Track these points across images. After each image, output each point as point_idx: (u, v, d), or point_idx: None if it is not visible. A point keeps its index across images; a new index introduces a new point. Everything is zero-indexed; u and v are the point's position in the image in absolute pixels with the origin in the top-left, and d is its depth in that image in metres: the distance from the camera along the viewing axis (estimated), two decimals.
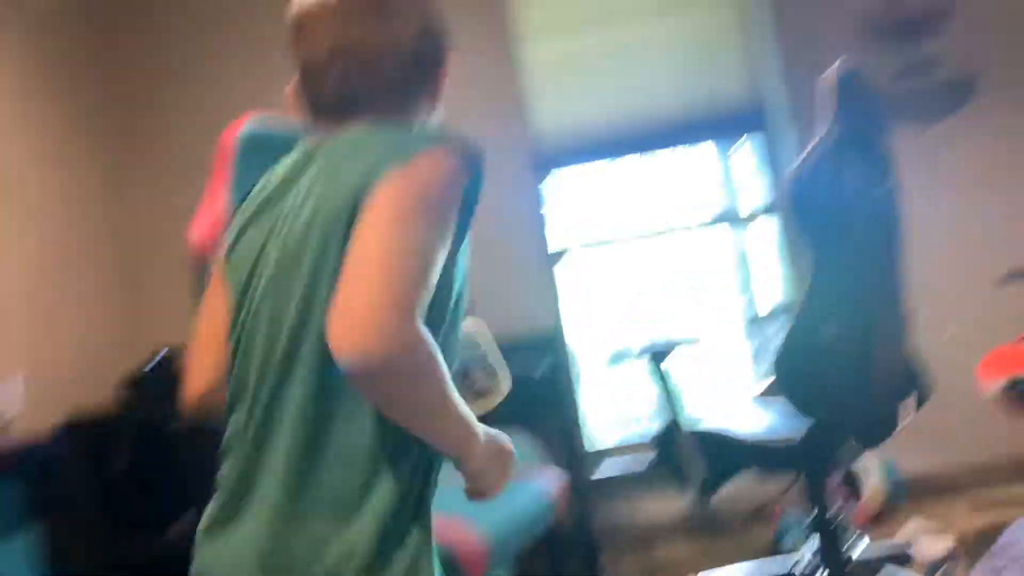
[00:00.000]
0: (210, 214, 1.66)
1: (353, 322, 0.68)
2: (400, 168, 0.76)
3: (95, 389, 2.47)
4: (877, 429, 1.72)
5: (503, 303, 2.77)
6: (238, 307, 0.86)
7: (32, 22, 2.54)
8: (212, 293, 0.96)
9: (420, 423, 0.75)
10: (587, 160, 2.92)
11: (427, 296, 0.73)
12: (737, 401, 2.10)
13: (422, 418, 0.75)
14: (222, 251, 0.94)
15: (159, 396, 2.18)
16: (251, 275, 0.85)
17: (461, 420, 0.77)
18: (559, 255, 2.92)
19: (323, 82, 0.91)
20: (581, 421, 2.85)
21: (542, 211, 2.90)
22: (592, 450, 2.84)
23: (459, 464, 0.83)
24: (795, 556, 2.04)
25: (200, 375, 0.95)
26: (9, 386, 1.74)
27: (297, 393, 0.77)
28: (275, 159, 1.68)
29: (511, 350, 2.40)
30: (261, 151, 1.74)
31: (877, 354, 1.59)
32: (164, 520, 2.39)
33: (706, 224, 2.97)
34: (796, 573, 1.95)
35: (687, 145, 2.95)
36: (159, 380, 2.22)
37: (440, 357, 0.72)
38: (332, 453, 0.76)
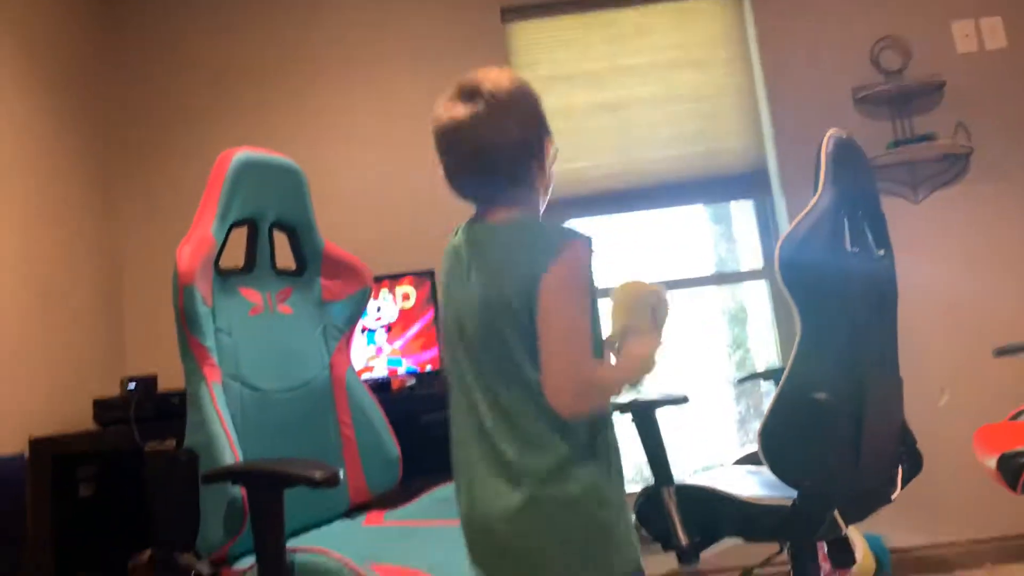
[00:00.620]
0: (195, 239, 1.64)
1: (559, 388, 1.10)
2: (554, 262, 1.13)
3: (66, 410, 2.42)
4: (865, 502, 1.68)
5: None
6: (450, 353, 1.24)
7: (29, 34, 2.56)
8: None
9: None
10: (582, 215, 2.92)
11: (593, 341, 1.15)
12: (723, 464, 2.05)
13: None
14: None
15: (130, 422, 2.13)
16: (457, 334, 1.21)
17: (627, 379, 1.21)
18: None
19: (463, 182, 1.24)
20: None
21: None
22: None
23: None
24: None
25: None
26: None
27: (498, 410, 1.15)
28: (265, 184, 1.71)
29: None
30: (252, 177, 1.75)
31: (867, 424, 1.56)
32: (122, 554, 2.32)
33: (700, 283, 2.96)
34: None
35: (683, 204, 2.96)
36: (131, 406, 2.16)
37: (608, 372, 1.20)
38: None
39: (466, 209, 1.26)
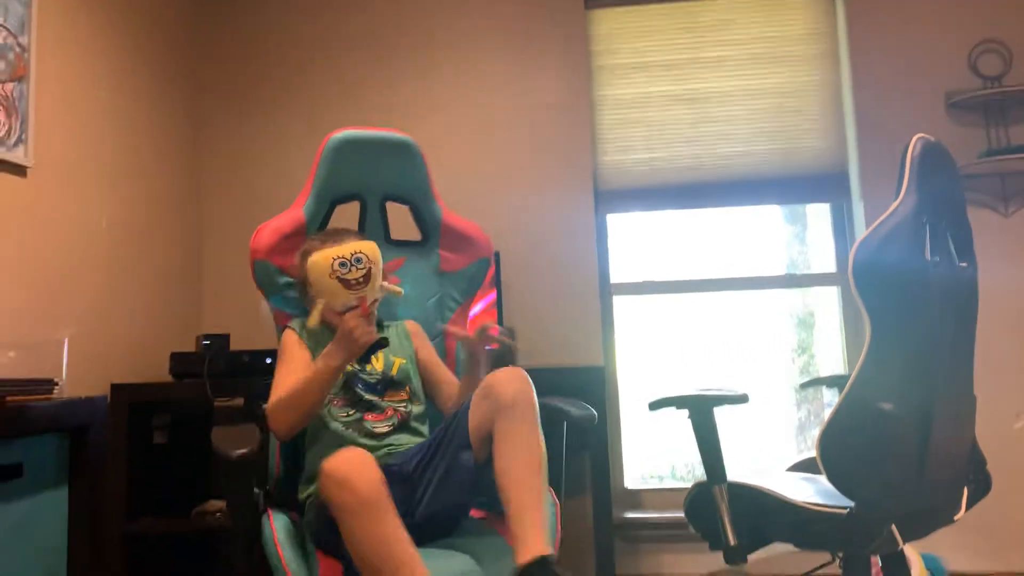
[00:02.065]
0: (281, 218, 1.75)
1: None
2: None
3: (143, 361, 2.55)
4: (926, 519, 1.63)
5: (556, 332, 2.77)
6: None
7: (139, 23, 2.68)
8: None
9: None
10: (653, 207, 2.90)
11: None
12: (777, 468, 2.02)
13: None
14: None
15: (203, 376, 2.23)
16: None
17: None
18: (615, 293, 2.90)
19: None
20: (618, 459, 2.81)
21: (603, 248, 2.89)
22: (626, 489, 2.80)
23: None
24: None
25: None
26: (57, 348, 1.81)
27: None
28: (370, 161, 1.85)
29: (560, 379, 2.41)
30: (352, 155, 1.84)
31: (934, 439, 1.51)
32: (188, 500, 2.44)
33: (769, 284, 2.90)
34: None
35: (758, 203, 2.89)
36: (204, 362, 2.27)
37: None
38: None
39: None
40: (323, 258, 1.54)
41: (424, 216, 1.92)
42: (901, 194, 1.51)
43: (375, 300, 1.61)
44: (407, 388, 1.69)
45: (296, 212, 1.78)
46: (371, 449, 1.49)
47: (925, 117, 2.73)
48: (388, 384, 1.67)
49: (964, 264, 1.63)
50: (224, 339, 2.40)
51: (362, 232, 1.86)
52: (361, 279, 1.55)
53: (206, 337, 2.37)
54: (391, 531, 1.23)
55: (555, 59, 2.90)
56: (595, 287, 2.80)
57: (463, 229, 1.91)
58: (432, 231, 1.92)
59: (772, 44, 2.89)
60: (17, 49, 2.06)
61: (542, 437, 1.38)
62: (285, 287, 1.76)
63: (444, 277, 1.92)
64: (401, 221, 1.97)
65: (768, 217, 3.02)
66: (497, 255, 2.62)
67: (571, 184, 2.82)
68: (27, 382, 1.73)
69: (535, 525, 1.25)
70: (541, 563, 1.19)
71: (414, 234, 1.94)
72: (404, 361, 1.72)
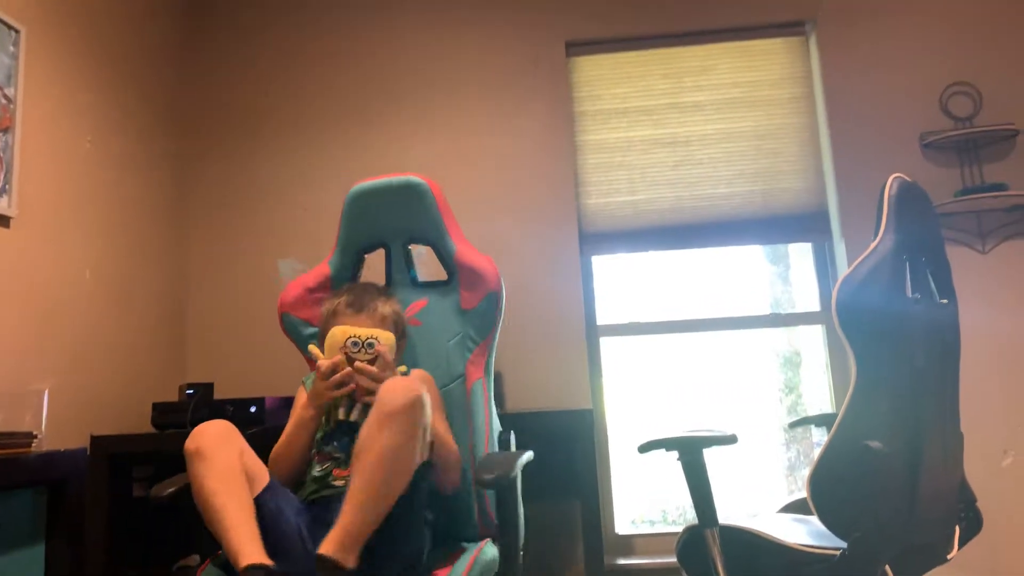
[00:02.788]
0: (308, 274, 1.91)
1: None
2: None
3: (125, 412, 2.51)
4: (919, 559, 1.61)
5: (543, 376, 2.76)
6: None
7: (125, 72, 2.71)
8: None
9: None
10: (637, 249, 2.92)
11: None
12: (768, 509, 2.00)
13: None
14: None
15: (186, 426, 2.20)
16: None
17: None
18: (602, 335, 2.90)
19: None
20: (609, 504, 2.77)
21: (589, 290, 2.91)
22: (618, 535, 2.76)
23: None
24: None
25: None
26: (36, 399, 1.78)
27: None
28: (385, 208, 1.90)
29: (548, 423, 2.40)
30: (368, 205, 1.90)
31: (923, 476, 1.51)
32: (171, 554, 2.38)
33: (754, 323, 2.92)
34: None
35: (740, 243, 2.93)
36: (188, 411, 2.24)
37: None
38: None
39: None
40: (341, 333, 1.63)
41: (443, 254, 1.90)
42: (880, 232, 1.54)
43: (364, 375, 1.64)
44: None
45: (322, 267, 1.92)
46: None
47: (901, 157, 2.79)
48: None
49: (945, 301, 1.65)
50: (208, 388, 2.37)
51: (388, 281, 1.94)
52: (367, 363, 1.62)
53: (189, 386, 2.35)
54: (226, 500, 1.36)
55: (539, 105, 2.95)
56: (582, 329, 2.80)
57: (472, 263, 1.85)
58: (452, 269, 1.89)
59: (749, 88, 2.97)
60: (3, 100, 2.07)
61: (399, 441, 1.35)
62: (310, 338, 1.84)
63: (465, 316, 1.86)
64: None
65: (751, 257, 3.05)
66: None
67: (556, 226, 2.85)
68: (5, 435, 1.70)
69: (340, 526, 1.30)
70: (318, 559, 1.27)
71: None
72: (357, 413, 1.69)
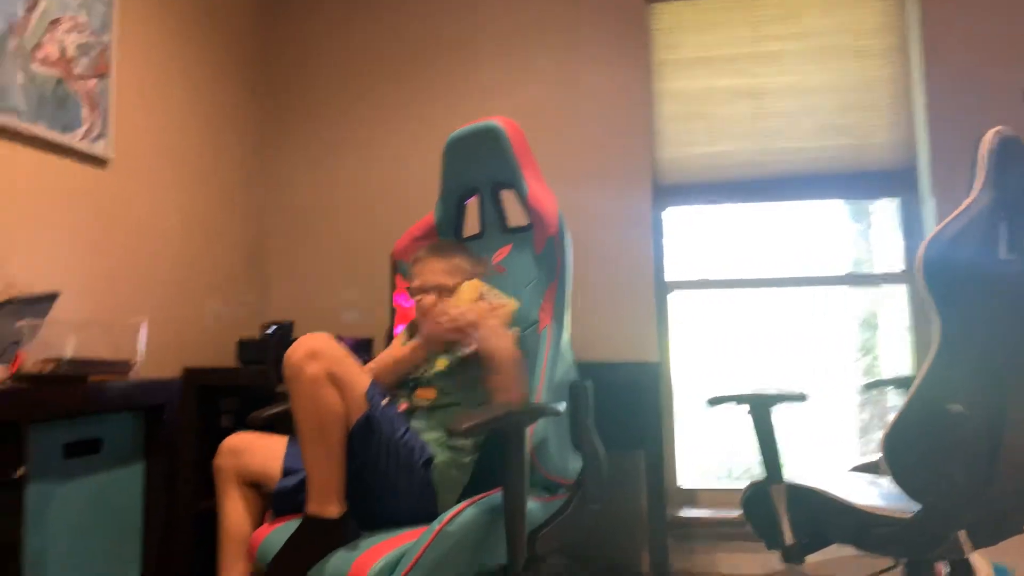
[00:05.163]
0: (416, 226, 2.01)
1: None
2: None
3: (213, 347, 2.65)
4: (997, 526, 1.57)
5: (611, 327, 2.76)
6: None
7: (213, 26, 2.78)
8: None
9: None
10: (714, 201, 2.86)
11: None
12: (838, 469, 1.98)
13: None
14: None
15: (267, 363, 2.31)
16: None
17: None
18: (674, 289, 2.87)
19: None
20: (673, 457, 2.79)
21: (656, 244, 2.87)
22: (680, 488, 2.77)
23: None
24: None
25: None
26: (134, 331, 1.90)
27: None
28: (472, 154, 1.96)
29: (614, 374, 2.41)
30: (458, 152, 1.94)
31: (1005, 443, 1.46)
32: None
33: (833, 282, 2.84)
34: None
35: (823, 198, 2.83)
36: (269, 348, 2.34)
37: None
38: None
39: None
40: (472, 288, 1.77)
41: (521, 197, 1.84)
42: (975, 189, 1.47)
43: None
44: (435, 387, 1.72)
45: (428, 216, 2.01)
46: None
47: (1001, 112, 2.62)
48: (418, 383, 1.75)
49: None
50: (288, 327, 2.47)
51: (481, 227, 1.98)
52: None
53: (271, 324, 2.45)
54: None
55: (614, 53, 2.89)
56: (651, 282, 2.78)
57: (537, 206, 1.79)
58: (529, 212, 1.83)
59: (837, 37, 2.82)
60: (99, 47, 2.16)
61: (324, 397, 1.42)
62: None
63: (537, 260, 1.83)
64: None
65: (831, 214, 2.94)
66: None
67: (629, 178, 2.81)
68: (107, 362, 1.83)
69: (313, 483, 1.42)
70: (305, 519, 1.39)
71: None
72: (447, 363, 1.74)
